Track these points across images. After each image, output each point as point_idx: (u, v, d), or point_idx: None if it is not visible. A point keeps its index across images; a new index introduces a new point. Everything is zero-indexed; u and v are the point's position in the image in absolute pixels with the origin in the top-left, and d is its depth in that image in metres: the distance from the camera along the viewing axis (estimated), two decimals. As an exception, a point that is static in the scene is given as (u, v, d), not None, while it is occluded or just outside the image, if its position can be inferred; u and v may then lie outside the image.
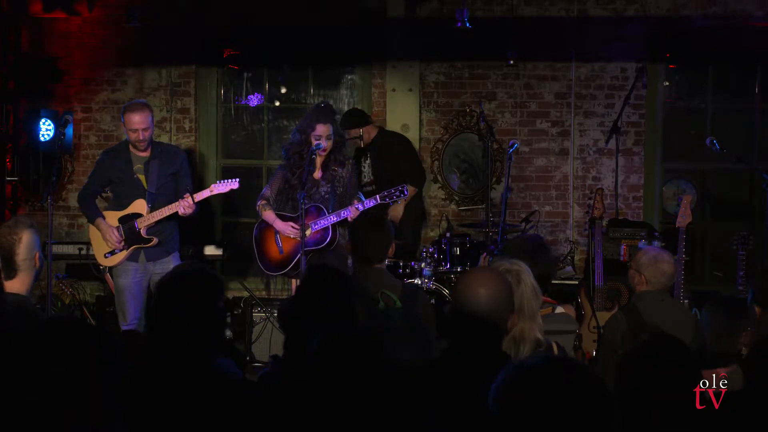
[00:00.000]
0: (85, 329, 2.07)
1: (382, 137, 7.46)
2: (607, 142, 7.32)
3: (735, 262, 5.98)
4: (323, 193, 5.78)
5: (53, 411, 1.91)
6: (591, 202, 6.21)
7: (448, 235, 6.85)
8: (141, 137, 5.70)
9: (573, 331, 4.24)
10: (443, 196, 7.94)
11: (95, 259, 6.00)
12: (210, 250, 7.55)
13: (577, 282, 6.71)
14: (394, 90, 7.90)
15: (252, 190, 7.99)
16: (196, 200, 5.71)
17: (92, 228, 5.86)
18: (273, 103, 8.33)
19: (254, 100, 8.27)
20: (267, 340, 6.49)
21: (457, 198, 7.93)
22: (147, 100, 7.15)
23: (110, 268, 5.91)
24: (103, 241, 5.79)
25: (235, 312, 7.05)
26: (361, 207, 5.58)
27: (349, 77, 8.26)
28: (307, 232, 5.67)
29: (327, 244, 5.67)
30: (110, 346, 2.04)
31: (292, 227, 5.66)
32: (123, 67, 8.13)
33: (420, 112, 7.91)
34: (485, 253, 5.36)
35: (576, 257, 7.61)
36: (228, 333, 6.87)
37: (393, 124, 7.84)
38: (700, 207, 7.93)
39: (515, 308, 2.92)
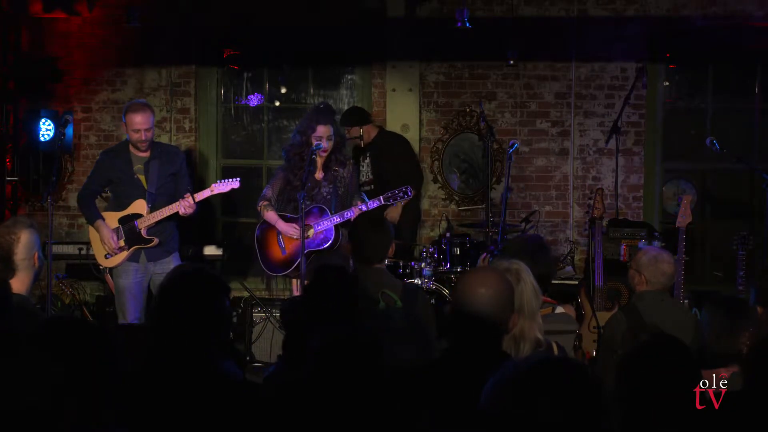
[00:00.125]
0: (84, 329, 2.07)
1: (383, 137, 7.46)
2: (607, 142, 7.32)
3: (735, 262, 5.98)
4: (325, 194, 5.78)
5: (53, 411, 1.91)
6: (591, 202, 6.21)
7: (448, 235, 6.84)
8: (143, 137, 5.70)
9: (573, 331, 4.24)
10: (443, 196, 7.94)
11: (95, 259, 5.99)
12: (210, 250, 7.55)
13: (577, 282, 6.71)
14: (394, 90, 7.90)
15: (252, 190, 7.99)
16: (196, 200, 5.71)
17: (92, 228, 5.85)
18: (273, 103, 8.33)
19: (254, 100, 8.27)
20: (267, 340, 6.49)
21: (457, 198, 7.93)
22: (147, 100, 7.15)
23: (110, 269, 5.90)
24: (100, 243, 5.79)
25: (235, 312, 7.05)
26: (364, 207, 5.58)
27: (349, 77, 8.26)
28: (311, 233, 5.68)
29: (330, 245, 5.67)
30: (110, 345, 2.03)
31: (295, 228, 5.66)
32: (123, 67, 8.13)
33: (420, 112, 7.91)
34: (485, 254, 5.36)
35: (576, 257, 7.61)
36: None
37: (393, 124, 7.85)
38: (700, 207, 7.93)
39: (515, 307, 2.92)
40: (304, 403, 2.26)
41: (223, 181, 5.89)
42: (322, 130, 5.72)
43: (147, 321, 5.43)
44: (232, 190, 5.87)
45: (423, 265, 6.65)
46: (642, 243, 6.34)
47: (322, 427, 2.20)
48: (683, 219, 5.86)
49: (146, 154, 5.80)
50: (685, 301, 5.76)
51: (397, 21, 7.81)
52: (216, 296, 2.73)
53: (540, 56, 7.79)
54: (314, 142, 5.67)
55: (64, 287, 7.48)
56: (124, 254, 5.77)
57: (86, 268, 7.16)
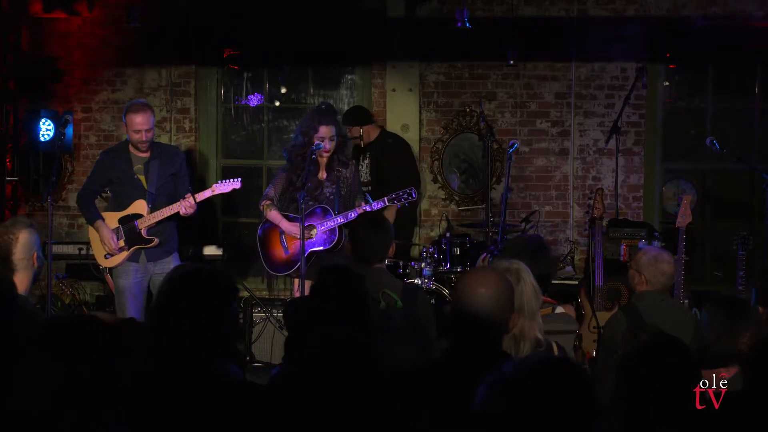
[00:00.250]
0: (85, 327, 2.05)
1: (384, 138, 7.47)
2: (607, 142, 7.33)
3: (735, 262, 5.98)
4: (328, 194, 5.78)
5: (53, 411, 1.91)
6: (591, 202, 6.21)
7: (448, 235, 6.84)
8: (144, 138, 5.69)
9: (573, 331, 4.24)
10: (443, 196, 7.94)
11: (95, 259, 5.99)
12: (210, 250, 7.55)
13: (577, 282, 6.71)
14: (394, 90, 7.90)
15: (252, 190, 7.99)
16: (197, 200, 5.71)
17: (92, 229, 5.85)
18: (273, 103, 8.33)
19: (254, 100, 8.27)
20: (267, 340, 6.49)
21: (457, 198, 7.93)
22: (147, 100, 7.14)
23: (110, 269, 5.90)
24: (100, 243, 5.78)
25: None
26: (368, 208, 5.58)
27: (349, 77, 8.26)
28: (314, 233, 5.68)
29: (334, 245, 5.67)
30: (111, 343, 2.02)
31: (299, 228, 5.67)
32: (123, 67, 8.13)
33: (420, 112, 7.91)
34: (485, 254, 5.36)
35: (576, 257, 7.61)
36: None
37: (393, 124, 7.85)
38: (700, 207, 7.93)
39: (515, 307, 2.92)
40: (304, 404, 2.26)
41: (224, 181, 5.89)
42: (325, 130, 5.71)
43: (148, 320, 5.41)
44: (233, 190, 5.87)
45: (423, 265, 6.65)
46: (642, 243, 6.34)
47: (321, 428, 2.20)
48: (683, 219, 5.86)
49: (146, 155, 5.80)
50: (685, 301, 5.76)
51: (397, 21, 7.81)
52: (225, 298, 2.69)
53: (540, 56, 7.79)
54: (315, 142, 5.67)
55: (64, 287, 7.48)
56: (124, 254, 5.76)
57: (86, 268, 7.16)
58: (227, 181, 5.87)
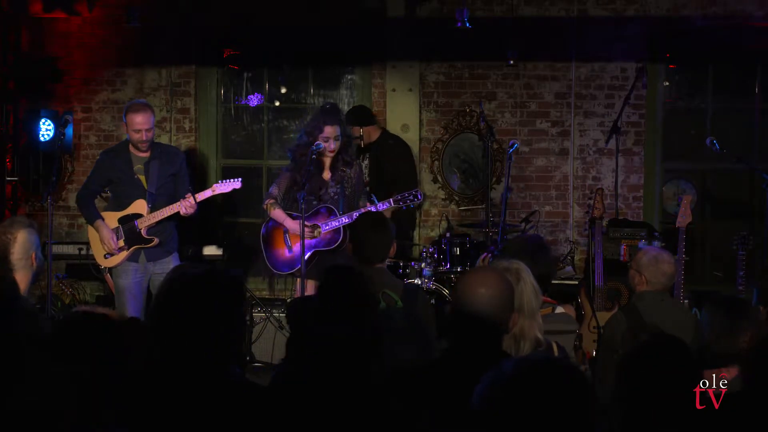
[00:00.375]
0: (97, 328, 2.03)
1: (386, 139, 7.48)
2: (607, 142, 7.33)
3: (735, 262, 5.98)
4: (332, 194, 5.78)
5: (57, 411, 1.91)
6: (591, 202, 6.21)
7: (448, 235, 6.85)
8: (144, 138, 5.69)
9: (573, 331, 4.24)
10: (443, 196, 7.94)
11: (95, 259, 6.00)
12: (210, 250, 7.54)
13: (577, 282, 6.71)
14: (394, 90, 7.90)
15: (252, 190, 8.00)
16: (198, 200, 5.71)
17: (91, 228, 5.85)
18: (273, 103, 8.33)
19: (254, 100, 8.27)
20: (267, 340, 6.50)
21: (457, 198, 7.93)
22: (147, 100, 7.14)
23: (110, 269, 5.90)
24: (100, 243, 5.78)
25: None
26: (374, 209, 5.58)
27: (349, 77, 8.26)
28: (318, 233, 5.69)
29: (338, 245, 5.66)
30: (118, 344, 2.01)
31: (306, 227, 5.67)
32: (123, 67, 8.13)
33: (420, 112, 7.91)
34: (485, 254, 5.36)
35: (576, 257, 7.61)
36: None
37: (393, 124, 7.85)
38: (700, 207, 7.93)
39: (515, 307, 2.92)
40: (305, 404, 2.26)
41: (224, 181, 5.89)
42: (330, 130, 5.72)
43: (149, 320, 5.41)
44: (233, 190, 5.87)
45: (423, 265, 6.65)
46: (642, 243, 6.34)
47: (323, 428, 2.20)
48: (683, 219, 5.86)
49: (146, 155, 5.80)
50: (685, 301, 5.76)
51: (397, 21, 7.81)
52: (232, 300, 2.65)
53: (540, 56, 7.79)
54: (315, 142, 5.67)
55: (64, 287, 7.48)
56: (124, 254, 5.76)
57: (86, 268, 7.16)
58: (227, 181, 5.87)
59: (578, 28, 7.73)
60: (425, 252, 6.76)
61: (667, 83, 8.05)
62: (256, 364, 6.42)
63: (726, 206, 7.98)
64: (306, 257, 5.67)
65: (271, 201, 5.85)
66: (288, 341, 3.43)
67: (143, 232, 5.75)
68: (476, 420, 1.87)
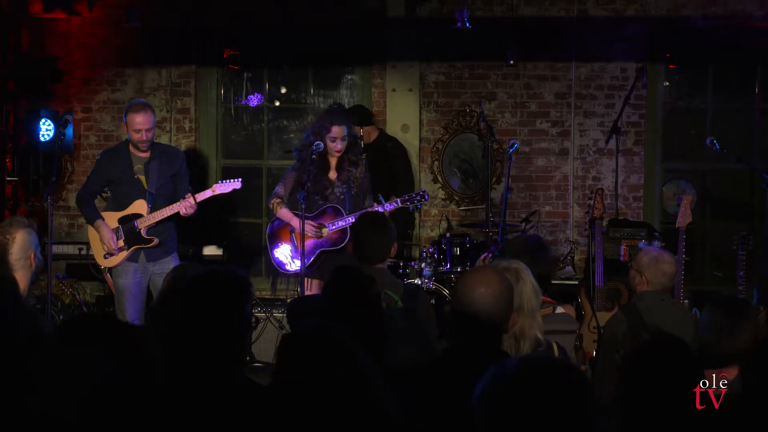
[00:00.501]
0: (104, 328, 2.01)
1: (384, 141, 7.49)
2: (607, 142, 7.33)
3: (735, 262, 5.97)
4: (339, 194, 5.78)
5: (53, 412, 1.91)
6: (591, 202, 6.20)
7: (448, 235, 6.85)
8: (144, 138, 5.69)
9: (573, 331, 4.24)
10: (443, 196, 7.94)
11: (95, 259, 5.99)
12: (210, 250, 7.55)
13: (577, 282, 6.71)
14: (394, 90, 7.90)
15: (252, 190, 8.00)
16: (198, 200, 5.71)
17: (91, 229, 5.85)
18: (273, 103, 8.33)
19: (254, 100, 8.27)
20: (267, 340, 6.49)
21: (457, 198, 7.93)
22: (147, 100, 7.14)
23: (110, 269, 5.90)
24: (100, 243, 5.78)
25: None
26: (381, 209, 5.59)
27: (349, 77, 8.26)
28: (325, 232, 5.69)
29: (344, 245, 5.66)
30: (123, 345, 1.99)
31: (311, 226, 5.67)
32: (123, 67, 8.13)
33: (420, 112, 7.91)
34: (486, 254, 5.35)
35: (576, 257, 7.61)
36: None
37: (393, 124, 7.85)
38: (700, 207, 7.93)
39: (515, 306, 2.92)
40: (303, 404, 2.25)
41: (224, 181, 5.89)
42: (337, 130, 5.72)
43: (150, 320, 5.40)
44: (233, 190, 5.87)
45: (423, 265, 6.65)
46: (642, 243, 6.34)
47: (324, 428, 2.19)
48: (683, 219, 5.86)
49: (146, 155, 5.80)
50: (685, 301, 5.76)
51: (397, 21, 7.81)
52: (237, 300, 2.63)
53: (540, 56, 7.79)
54: (315, 142, 5.67)
55: (64, 287, 7.48)
56: (124, 254, 5.76)
57: (86, 268, 7.16)
58: (227, 181, 5.87)
59: (578, 28, 7.73)
60: (425, 252, 6.76)
61: (667, 83, 8.05)
62: (256, 364, 6.41)
63: (726, 206, 7.98)
64: (313, 257, 5.68)
65: (277, 200, 5.85)
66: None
67: (143, 233, 5.75)
68: (476, 420, 1.87)
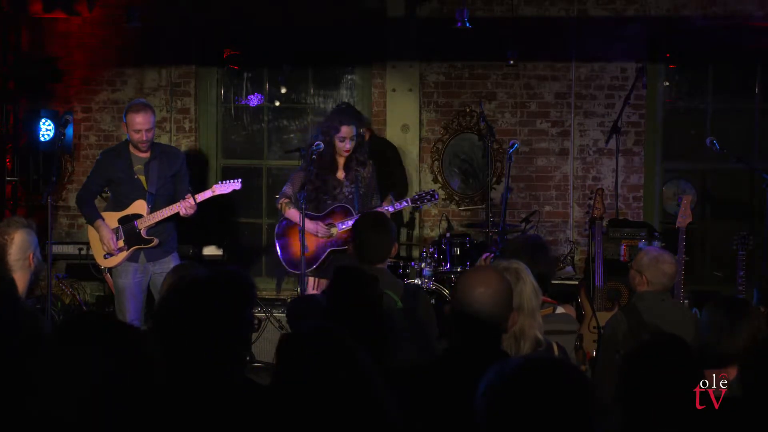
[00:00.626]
0: (105, 328, 2.01)
1: (376, 142, 7.49)
2: (607, 142, 7.33)
3: (735, 262, 5.98)
4: (347, 194, 5.79)
5: (53, 412, 1.90)
6: (591, 202, 6.21)
7: (448, 235, 6.85)
8: (144, 138, 5.69)
9: (574, 332, 4.23)
10: (443, 196, 7.94)
11: (95, 259, 5.99)
12: (210, 250, 7.55)
13: (577, 282, 6.71)
14: (394, 90, 7.90)
15: (252, 190, 8.00)
16: (197, 201, 5.71)
17: (91, 229, 5.85)
18: (273, 103, 8.33)
19: (254, 100, 8.27)
20: (267, 341, 6.49)
21: (457, 198, 7.94)
22: (147, 100, 7.14)
23: (110, 269, 5.90)
24: (100, 243, 5.78)
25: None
26: (391, 209, 5.59)
27: (349, 77, 8.26)
28: (334, 231, 5.70)
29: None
30: (123, 345, 1.99)
31: (320, 226, 5.68)
32: (123, 67, 8.13)
33: (420, 112, 7.91)
34: (486, 254, 5.35)
35: (576, 257, 7.61)
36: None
37: (393, 124, 7.85)
38: (700, 207, 7.93)
39: (515, 306, 2.92)
40: (303, 404, 2.25)
41: (224, 181, 5.89)
42: (346, 130, 5.72)
43: (153, 320, 5.39)
44: (233, 190, 5.87)
45: (423, 265, 6.65)
46: (642, 243, 6.34)
47: (324, 428, 2.19)
48: (683, 219, 5.86)
49: (146, 155, 5.80)
50: (685, 301, 5.76)
51: (397, 21, 7.81)
52: (237, 301, 2.63)
53: (540, 56, 7.79)
54: (315, 142, 5.67)
55: (64, 287, 7.48)
56: (124, 254, 5.76)
57: (86, 268, 7.16)
58: (227, 181, 5.87)
59: (578, 28, 7.73)
60: (425, 252, 6.76)
61: (667, 83, 8.05)
62: (256, 364, 6.41)
63: (726, 206, 7.98)
64: (323, 257, 5.68)
65: (286, 200, 5.84)
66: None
67: (143, 233, 5.75)
68: (478, 419, 1.87)
